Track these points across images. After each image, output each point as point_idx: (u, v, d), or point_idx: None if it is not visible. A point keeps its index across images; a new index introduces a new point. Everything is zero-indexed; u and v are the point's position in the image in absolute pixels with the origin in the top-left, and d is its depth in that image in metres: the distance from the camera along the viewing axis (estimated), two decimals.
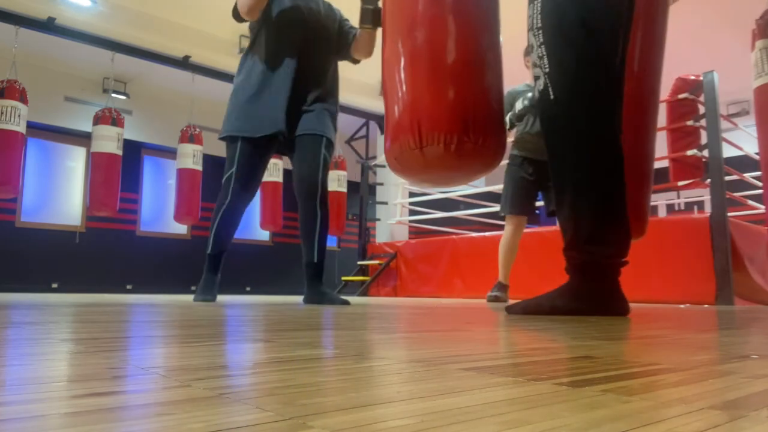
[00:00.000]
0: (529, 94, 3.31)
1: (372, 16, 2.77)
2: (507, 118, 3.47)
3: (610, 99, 1.88)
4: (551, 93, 1.86)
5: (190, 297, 3.34)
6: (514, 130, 3.73)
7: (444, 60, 1.77)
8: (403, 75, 1.83)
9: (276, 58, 2.82)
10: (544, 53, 1.87)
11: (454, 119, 1.73)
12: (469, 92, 1.76)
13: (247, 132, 2.80)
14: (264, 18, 2.82)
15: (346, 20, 3.09)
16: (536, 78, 1.92)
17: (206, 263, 2.95)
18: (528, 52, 3.73)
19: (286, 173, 7.59)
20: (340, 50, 3.04)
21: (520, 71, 3.50)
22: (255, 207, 7.70)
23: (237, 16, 2.79)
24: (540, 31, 1.88)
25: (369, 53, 3.01)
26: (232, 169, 2.83)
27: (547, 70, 1.86)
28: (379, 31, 2.20)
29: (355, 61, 3.09)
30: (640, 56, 2.50)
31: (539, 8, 1.88)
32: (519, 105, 3.36)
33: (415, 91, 1.80)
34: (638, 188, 2.59)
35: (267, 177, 6.97)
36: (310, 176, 2.84)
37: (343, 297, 3.00)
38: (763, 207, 4.58)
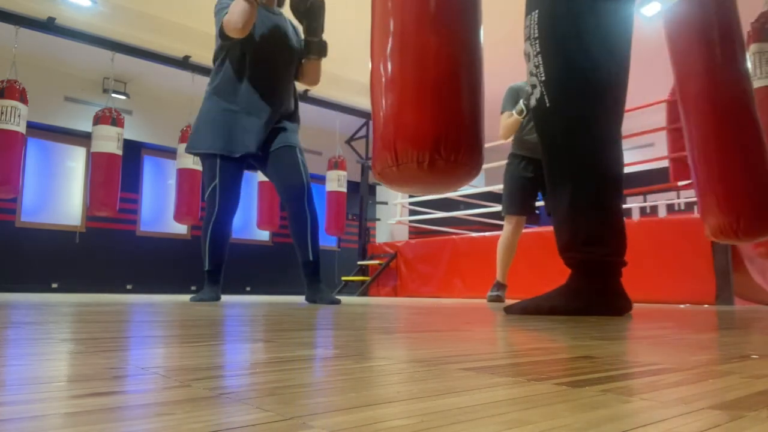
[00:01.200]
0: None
1: (318, 48, 2.95)
2: (521, 104, 3.48)
3: (607, 107, 1.90)
4: (547, 101, 1.88)
5: (189, 297, 3.34)
6: (513, 134, 3.74)
7: (418, 81, 1.87)
8: (383, 94, 1.94)
9: (255, 79, 2.88)
10: (541, 62, 1.89)
11: (426, 137, 1.82)
12: (442, 111, 1.85)
13: (228, 151, 2.86)
14: (239, 43, 2.85)
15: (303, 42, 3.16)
16: (533, 87, 1.94)
17: (206, 278, 2.96)
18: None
19: None
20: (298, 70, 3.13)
21: (510, 72, 3.52)
22: (253, 207, 7.70)
23: (224, 36, 2.79)
24: (536, 41, 1.90)
25: (316, 81, 3.13)
26: (215, 182, 2.87)
27: (543, 78, 1.89)
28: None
29: (303, 85, 3.20)
30: (729, 64, 2.64)
31: (536, 19, 1.91)
32: (525, 84, 3.40)
33: (392, 110, 1.91)
34: (763, 185, 2.64)
35: (264, 177, 6.98)
36: (295, 179, 2.91)
37: (336, 297, 3.05)
38: None
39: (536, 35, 1.91)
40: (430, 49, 1.86)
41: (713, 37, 2.72)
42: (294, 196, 2.90)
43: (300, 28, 3.05)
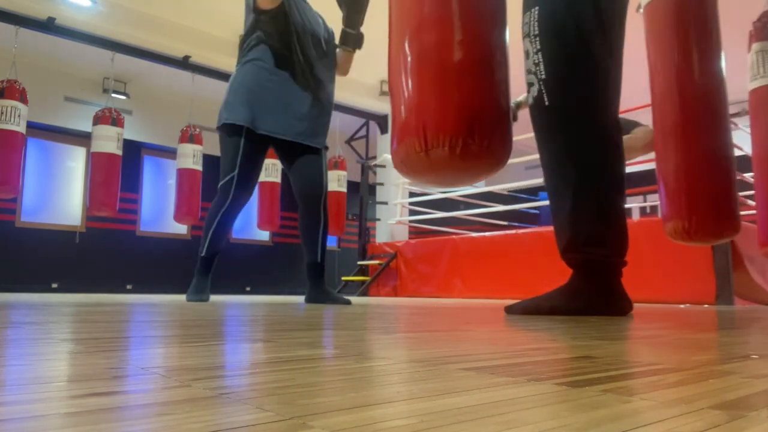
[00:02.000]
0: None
1: (354, 40, 2.91)
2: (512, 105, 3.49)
3: (606, 105, 1.90)
4: (546, 100, 1.88)
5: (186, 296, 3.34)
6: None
7: (449, 62, 1.76)
8: (408, 77, 1.83)
9: (280, 59, 2.80)
10: (540, 60, 1.89)
11: (459, 122, 1.72)
12: (474, 94, 1.75)
13: (258, 127, 2.74)
14: (284, 17, 2.78)
15: (333, 34, 3.13)
16: (530, 84, 1.93)
17: (198, 266, 2.92)
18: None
19: (286, 174, 7.60)
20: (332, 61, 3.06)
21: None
22: (253, 207, 7.70)
23: (257, 9, 2.75)
24: (537, 39, 1.90)
25: (346, 72, 3.10)
26: (234, 173, 2.77)
27: (542, 76, 1.88)
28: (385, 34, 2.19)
29: None
30: (699, 62, 2.58)
31: (536, 16, 1.91)
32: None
33: (420, 94, 1.80)
34: (724, 187, 2.63)
35: (265, 177, 6.98)
36: (317, 181, 2.88)
37: (345, 296, 3.03)
38: None
39: (536, 32, 1.90)
40: (459, 31, 1.78)
41: (685, 33, 2.71)
42: (312, 199, 2.88)
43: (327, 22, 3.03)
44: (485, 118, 1.75)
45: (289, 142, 2.84)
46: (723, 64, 2.76)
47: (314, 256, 2.87)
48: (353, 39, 2.90)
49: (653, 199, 8.42)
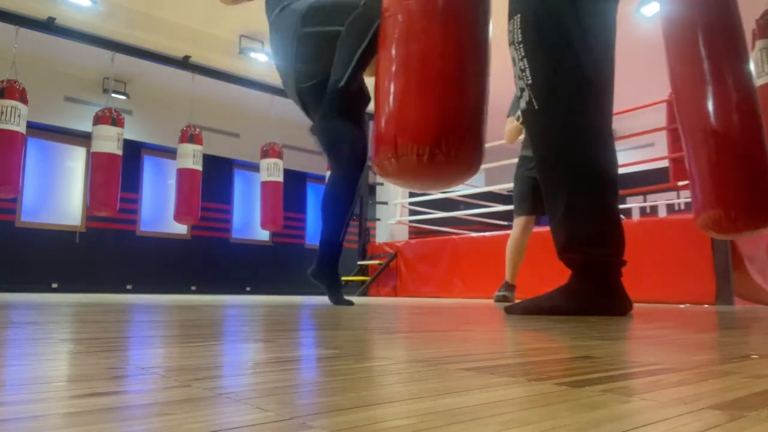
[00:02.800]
0: None
1: None
2: (518, 112, 3.50)
3: (596, 106, 1.90)
4: (535, 104, 1.89)
5: (190, 297, 3.34)
6: (516, 138, 3.74)
7: (424, 72, 1.87)
8: (386, 86, 1.94)
9: None
10: (526, 66, 1.90)
11: (427, 131, 1.82)
12: (445, 105, 1.85)
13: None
14: None
15: None
16: (521, 90, 1.94)
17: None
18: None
19: (285, 173, 7.59)
20: None
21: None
22: (256, 207, 7.70)
23: None
24: (521, 45, 1.91)
25: None
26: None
27: (529, 82, 1.89)
28: None
29: None
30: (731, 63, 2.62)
31: (518, 23, 1.92)
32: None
33: (394, 103, 1.90)
34: (760, 175, 2.62)
35: (267, 177, 6.98)
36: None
37: (348, 298, 2.85)
38: None
39: (519, 39, 1.92)
40: (436, 42, 1.86)
41: (713, 35, 2.71)
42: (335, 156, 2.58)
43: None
44: (454, 129, 1.84)
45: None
46: (752, 66, 2.78)
47: (330, 232, 2.62)
48: None
49: (653, 199, 8.42)
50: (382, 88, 1.95)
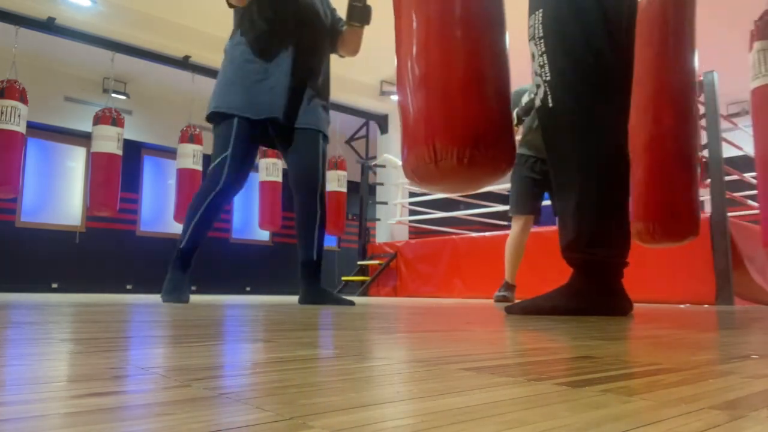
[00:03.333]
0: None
1: (360, 14, 2.70)
2: (515, 114, 3.50)
3: (612, 106, 1.89)
4: (550, 101, 1.88)
5: (190, 297, 3.34)
6: (521, 129, 3.72)
7: (455, 77, 1.86)
8: (417, 90, 1.92)
9: (274, 44, 2.65)
10: (545, 62, 1.89)
11: (466, 134, 1.82)
12: (478, 107, 1.85)
13: (247, 112, 2.59)
14: (264, 7, 2.67)
15: (335, 10, 2.96)
16: (537, 86, 1.94)
17: (175, 260, 2.68)
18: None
19: (285, 172, 7.60)
20: (331, 42, 2.89)
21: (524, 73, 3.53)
22: (254, 207, 7.70)
23: (230, 4, 2.64)
24: (541, 41, 1.90)
25: (355, 51, 2.91)
26: (226, 152, 2.58)
27: (547, 78, 1.88)
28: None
29: (341, 56, 2.97)
30: (673, 52, 2.64)
31: (540, 18, 1.91)
32: (525, 98, 3.38)
33: (428, 107, 1.90)
34: (686, 187, 2.70)
35: (266, 176, 6.98)
36: (312, 170, 2.71)
37: (347, 297, 2.90)
38: None
39: (541, 35, 1.91)
40: (457, 47, 1.87)
41: (655, 35, 2.74)
42: (307, 188, 2.70)
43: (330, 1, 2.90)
44: (489, 130, 1.85)
45: (283, 127, 2.68)
46: (696, 64, 2.80)
47: (309, 253, 2.69)
48: (359, 13, 2.69)
49: None
50: (407, 96, 1.93)
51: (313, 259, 2.70)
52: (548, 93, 1.89)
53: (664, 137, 2.73)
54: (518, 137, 3.80)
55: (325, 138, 2.81)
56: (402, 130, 1.99)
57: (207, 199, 2.59)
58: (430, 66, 1.89)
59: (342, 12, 2.85)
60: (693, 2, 2.75)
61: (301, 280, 2.73)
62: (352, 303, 2.65)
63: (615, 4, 1.90)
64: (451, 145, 1.81)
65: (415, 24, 1.93)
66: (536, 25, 1.93)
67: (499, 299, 3.71)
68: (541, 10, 1.92)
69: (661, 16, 2.76)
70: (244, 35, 2.71)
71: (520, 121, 3.51)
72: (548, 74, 1.89)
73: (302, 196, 2.73)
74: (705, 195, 3.89)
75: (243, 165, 2.64)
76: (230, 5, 2.67)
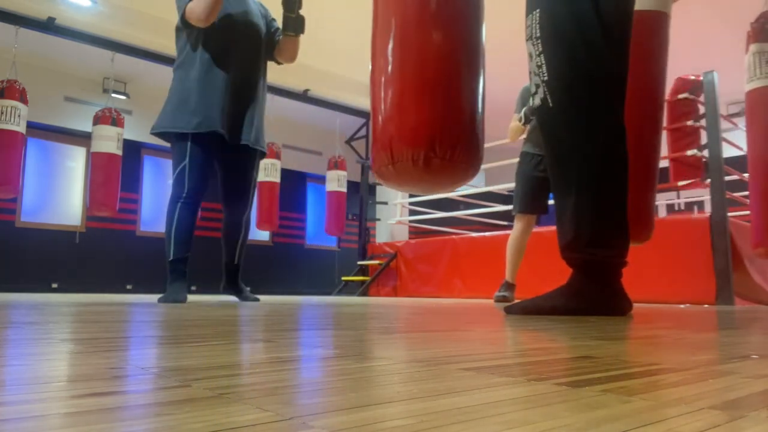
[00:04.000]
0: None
1: (295, 24, 2.86)
2: (522, 113, 3.49)
3: (610, 105, 1.89)
4: (549, 101, 1.88)
5: (190, 297, 3.34)
6: (528, 128, 3.71)
7: (415, 78, 1.87)
8: (381, 93, 1.94)
9: (213, 62, 2.78)
10: (543, 62, 1.89)
11: (421, 136, 1.81)
12: (438, 110, 1.85)
13: (196, 128, 2.71)
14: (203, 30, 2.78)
15: (273, 20, 3.08)
16: (536, 86, 1.94)
17: (169, 272, 2.78)
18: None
19: (285, 173, 7.59)
20: (267, 50, 3.03)
21: (519, 72, 3.51)
22: (253, 207, 7.69)
23: (186, 24, 2.74)
24: (539, 41, 1.90)
25: (292, 59, 3.05)
26: (185, 161, 2.72)
27: (545, 78, 1.88)
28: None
29: (278, 63, 3.11)
30: (644, 57, 2.55)
31: (537, 18, 1.91)
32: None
33: (389, 109, 1.90)
34: (642, 192, 2.63)
35: (264, 177, 6.97)
36: (242, 190, 2.94)
37: (255, 295, 3.23)
38: None
39: (538, 35, 1.91)
40: (430, 47, 1.86)
41: None
42: (235, 205, 2.96)
43: (267, 7, 3.04)
44: (448, 132, 1.84)
45: (223, 143, 2.79)
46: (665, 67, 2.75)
47: (231, 258, 3.05)
48: (293, 23, 2.85)
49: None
50: (377, 95, 1.96)
51: (234, 263, 3.09)
52: (546, 93, 1.89)
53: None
54: (523, 136, 3.79)
55: (263, 156, 3.01)
56: (372, 130, 2.01)
57: (176, 209, 2.77)
58: (397, 66, 1.89)
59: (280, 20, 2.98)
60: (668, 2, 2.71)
61: (224, 274, 3.11)
62: (257, 299, 3.05)
63: (611, 4, 1.90)
64: (406, 146, 1.81)
65: (392, 23, 1.93)
66: (533, 25, 1.93)
67: (499, 299, 3.70)
68: (538, 11, 1.92)
69: None
70: (185, 56, 2.91)
71: (527, 120, 3.51)
72: (546, 74, 1.89)
73: (231, 213, 3.01)
74: (705, 195, 3.89)
75: (203, 173, 2.78)
76: (186, 25, 2.77)
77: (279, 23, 3.02)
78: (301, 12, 2.89)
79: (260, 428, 0.29)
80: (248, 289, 3.18)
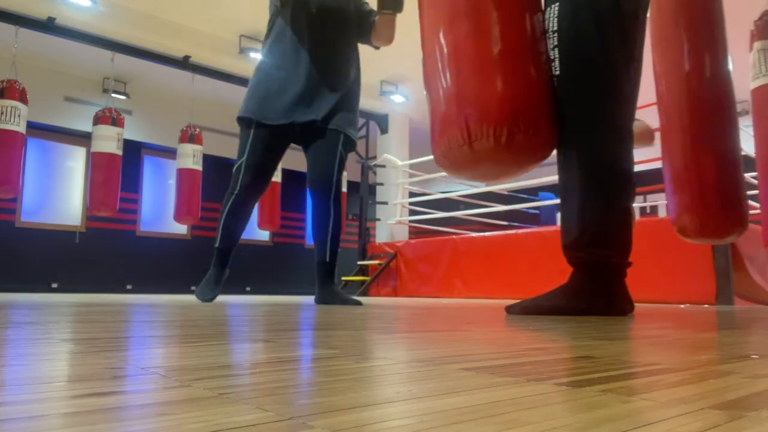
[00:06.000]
0: None
1: (392, 2, 2.74)
2: None
3: (620, 105, 1.89)
4: (558, 96, 1.88)
5: (190, 297, 3.34)
6: None
7: (489, 50, 1.70)
8: (447, 68, 1.75)
9: (293, 45, 2.72)
10: (556, 56, 1.89)
11: (504, 111, 1.65)
12: (517, 82, 1.69)
13: (262, 117, 2.71)
14: (290, 14, 2.74)
15: (365, 2, 2.98)
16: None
17: (214, 257, 2.83)
18: None
19: (285, 173, 7.59)
20: (360, 33, 2.92)
21: None
22: (255, 207, 7.70)
23: (282, 3, 2.71)
24: (555, 35, 1.90)
25: (390, 39, 2.92)
26: (242, 159, 2.74)
27: (557, 73, 1.88)
28: (416, 25, 2.03)
29: (376, 47, 3.00)
30: (710, 60, 2.57)
31: (556, 12, 1.90)
32: None
33: (460, 85, 1.72)
34: (733, 180, 2.62)
35: None
36: (325, 174, 2.77)
37: (355, 298, 2.94)
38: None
39: (555, 28, 1.90)
40: (496, 18, 1.71)
41: (692, 34, 2.70)
42: (320, 190, 2.78)
43: None
44: (529, 106, 1.68)
45: (305, 128, 2.74)
46: (730, 65, 2.76)
47: (323, 254, 2.77)
48: (391, 0, 2.74)
49: (653, 199, 8.42)
50: (437, 74, 1.77)
51: (326, 260, 2.78)
52: (556, 87, 1.89)
53: (704, 133, 2.66)
54: None
55: (348, 141, 2.84)
56: (431, 111, 1.82)
57: (228, 202, 2.77)
58: (461, 39, 1.72)
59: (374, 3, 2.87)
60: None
61: (316, 280, 2.81)
62: (359, 303, 2.68)
63: (632, 3, 1.89)
64: (487, 123, 1.63)
65: (440, 2, 1.79)
66: (551, 18, 1.92)
67: None
68: (557, 4, 1.91)
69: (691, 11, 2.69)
70: (270, 38, 2.81)
71: None
72: (557, 69, 1.88)
73: (316, 198, 2.82)
74: None
75: (258, 172, 2.76)
76: (283, 4, 2.71)
77: (373, 4, 2.90)
78: None
79: (260, 428, 0.29)
80: (341, 287, 3.04)
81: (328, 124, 2.74)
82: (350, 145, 2.87)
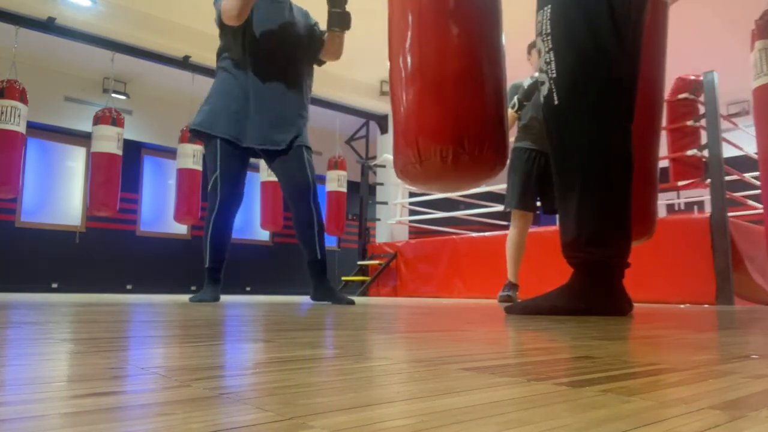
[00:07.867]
0: (536, 74, 3.29)
1: (340, 20, 2.82)
2: (515, 99, 3.46)
3: (618, 105, 1.89)
4: (555, 98, 1.87)
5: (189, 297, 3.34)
6: (517, 122, 3.68)
7: (439, 74, 1.83)
8: (403, 90, 1.89)
9: (258, 72, 2.80)
10: (552, 59, 1.88)
11: (449, 133, 1.78)
12: (464, 104, 1.81)
13: (229, 136, 2.77)
14: (242, 27, 2.77)
15: (316, 24, 3.05)
16: (541, 83, 1.93)
17: (206, 276, 2.87)
18: (530, 48, 3.71)
19: None
20: (311, 57, 3.02)
21: (523, 68, 3.53)
22: (255, 207, 7.70)
23: (222, 24, 2.75)
24: (549, 37, 1.89)
25: (337, 56, 3.02)
26: (216, 173, 2.79)
27: (553, 75, 1.88)
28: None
29: (320, 63, 3.09)
30: (643, 58, 2.53)
31: (548, 14, 1.90)
32: (527, 81, 3.38)
33: (413, 107, 1.86)
34: (644, 188, 2.61)
35: (267, 177, 6.98)
36: (301, 178, 2.84)
37: (349, 296, 2.97)
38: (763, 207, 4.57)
39: (548, 31, 1.90)
40: (451, 41, 1.82)
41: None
42: (299, 195, 2.84)
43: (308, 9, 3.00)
44: (475, 128, 1.81)
45: (264, 151, 2.84)
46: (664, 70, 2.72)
47: (313, 254, 2.81)
48: (338, 18, 2.81)
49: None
50: (398, 93, 1.90)
51: (317, 259, 2.83)
52: (553, 90, 1.88)
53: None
54: (515, 128, 3.76)
55: (308, 149, 2.95)
56: (394, 129, 1.97)
57: (211, 219, 2.84)
58: (418, 61, 1.84)
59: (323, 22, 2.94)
60: (665, 7, 2.69)
61: (310, 278, 2.86)
62: (351, 302, 2.72)
63: (623, 1, 1.89)
64: (434, 143, 1.77)
65: (409, 18, 1.90)
66: (544, 21, 1.92)
67: (503, 299, 3.68)
68: (549, 7, 1.91)
69: None
70: (226, 58, 2.88)
71: (521, 106, 3.48)
72: (554, 71, 1.88)
73: (295, 206, 2.87)
74: (705, 195, 3.89)
75: (234, 181, 2.83)
76: (222, 26, 2.76)
77: (322, 24, 2.98)
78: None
79: (260, 428, 0.29)
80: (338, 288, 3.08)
81: (282, 144, 2.85)
82: (311, 152, 2.98)
